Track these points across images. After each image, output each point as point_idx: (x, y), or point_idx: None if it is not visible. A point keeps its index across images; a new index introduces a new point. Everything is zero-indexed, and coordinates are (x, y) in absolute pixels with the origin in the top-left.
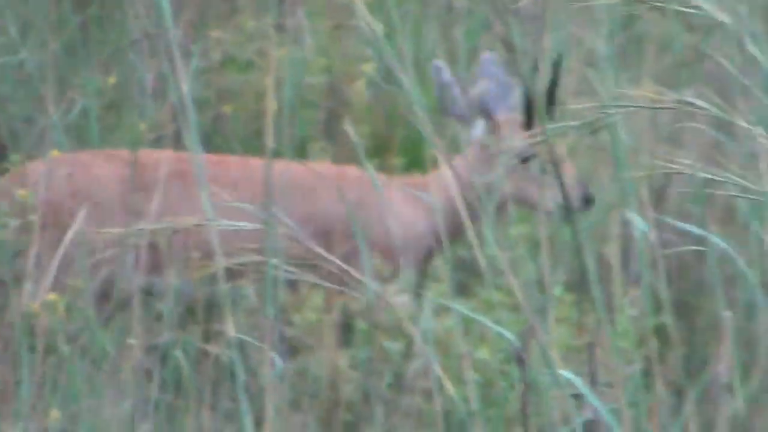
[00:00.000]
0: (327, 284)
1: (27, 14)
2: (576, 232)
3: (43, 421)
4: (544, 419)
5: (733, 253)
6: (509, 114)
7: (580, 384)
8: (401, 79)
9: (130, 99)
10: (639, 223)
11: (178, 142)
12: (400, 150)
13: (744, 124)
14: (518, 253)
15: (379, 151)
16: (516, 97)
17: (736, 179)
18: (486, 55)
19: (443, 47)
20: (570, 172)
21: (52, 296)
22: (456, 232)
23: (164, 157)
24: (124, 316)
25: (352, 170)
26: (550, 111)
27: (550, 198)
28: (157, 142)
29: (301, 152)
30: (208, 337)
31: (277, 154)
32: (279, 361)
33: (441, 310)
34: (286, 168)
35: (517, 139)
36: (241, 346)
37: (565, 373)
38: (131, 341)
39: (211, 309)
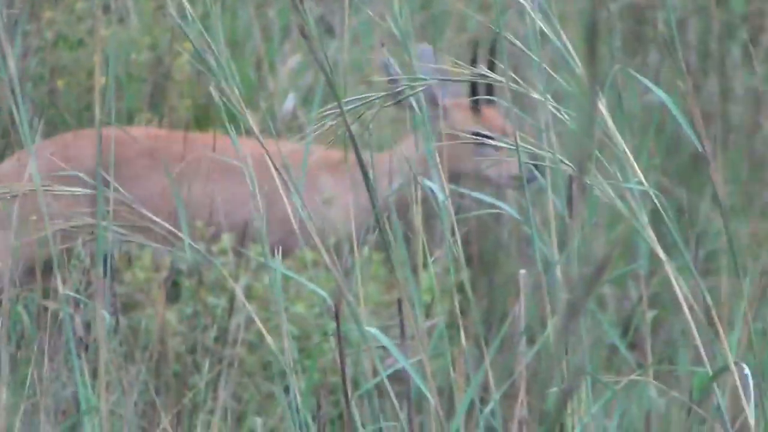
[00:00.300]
0: (154, 245)
1: None
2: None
3: None
4: (357, 369)
5: (518, 218)
6: (455, 99)
7: (383, 338)
8: (209, 60)
9: None
10: (438, 192)
11: (11, 115)
12: (218, 121)
13: (536, 95)
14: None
15: (199, 122)
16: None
17: (528, 147)
18: (422, 46)
19: (258, 25)
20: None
21: None
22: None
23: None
24: None
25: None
26: (490, 93)
27: (504, 172)
28: None
29: (129, 123)
30: (48, 294)
31: (106, 124)
32: (108, 317)
33: (261, 269)
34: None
35: (467, 121)
36: (77, 302)
37: (371, 329)
38: None
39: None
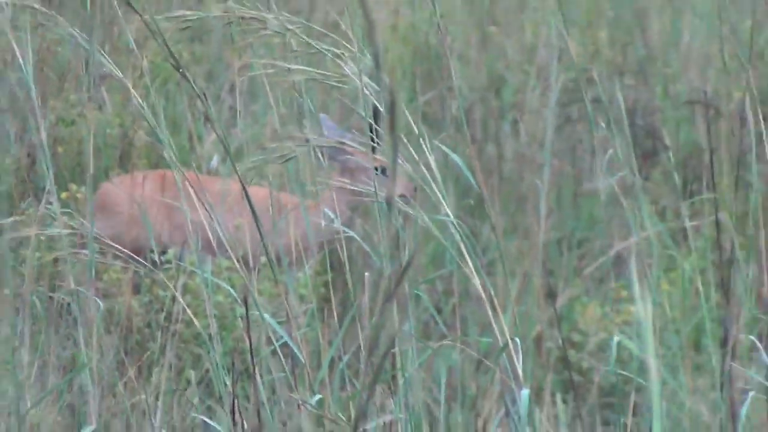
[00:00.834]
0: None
1: None
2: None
3: None
4: (259, 339)
5: (360, 240)
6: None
7: (272, 320)
8: (158, 134)
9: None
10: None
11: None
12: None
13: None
14: None
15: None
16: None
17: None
18: (322, 116)
19: (189, 111)
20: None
21: None
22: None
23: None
24: None
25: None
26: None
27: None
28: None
29: (106, 176)
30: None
31: (96, 179)
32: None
33: (194, 273)
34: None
35: (366, 159)
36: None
37: (266, 313)
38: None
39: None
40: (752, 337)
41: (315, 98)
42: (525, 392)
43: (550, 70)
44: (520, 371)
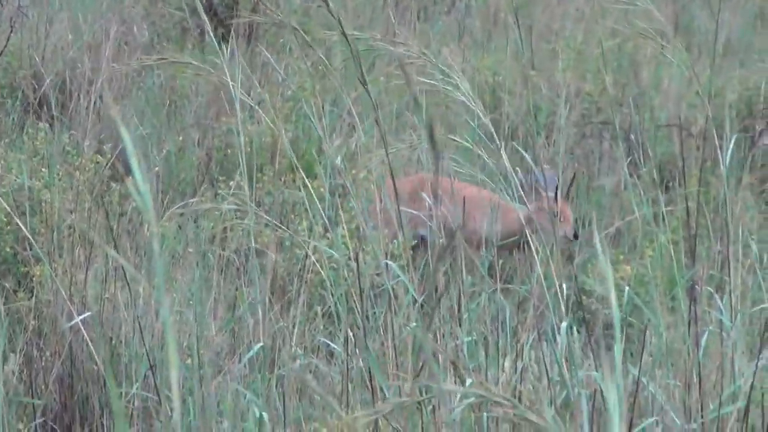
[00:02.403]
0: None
1: None
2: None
3: None
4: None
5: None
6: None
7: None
8: None
9: None
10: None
11: None
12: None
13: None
14: None
15: None
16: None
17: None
18: (550, 174)
19: None
20: (569, 221)
21: None
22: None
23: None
24: None
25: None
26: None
27: (561, 233)
28: None
29: (260, 171)
30: None
31: (251, 172)
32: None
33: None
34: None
35: (551, 205)
36: None
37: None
38: None
39: None
40: (710, 289)
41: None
42: (564, 323)
43: (572, 100)
44: (563, 306)
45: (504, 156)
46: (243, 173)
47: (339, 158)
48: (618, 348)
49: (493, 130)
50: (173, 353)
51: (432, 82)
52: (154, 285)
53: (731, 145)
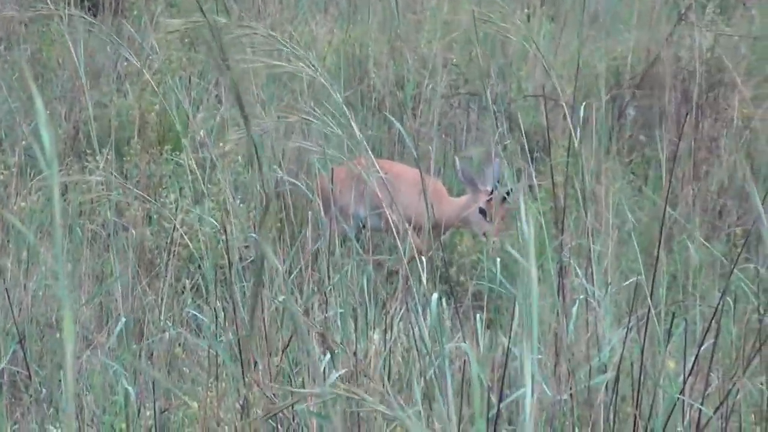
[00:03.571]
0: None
1: None
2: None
3: None
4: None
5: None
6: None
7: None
8: None
9: None
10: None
11: None
12: None
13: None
14: None
15: None
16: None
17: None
18: (496, 162)
19: None
20: (497, 224)
21: None
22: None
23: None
24: None
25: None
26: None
27: (479, 228)
28: None
29: (127, 144)
30: None
31: (119, 146)
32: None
33: None
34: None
35: (483, 202)
36: None
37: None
38: None
39: None
40: (572, 262)
41: (272, 89)
42: (435, 295)
43: (440, 72)
44: (424, 279)
45: (356, 131)
46: (111, 147)
47: (202, 132)
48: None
49: (354, 104)
50: (69, 327)
51: (281, 63)
52: (21, 260)
53: (581, 112)
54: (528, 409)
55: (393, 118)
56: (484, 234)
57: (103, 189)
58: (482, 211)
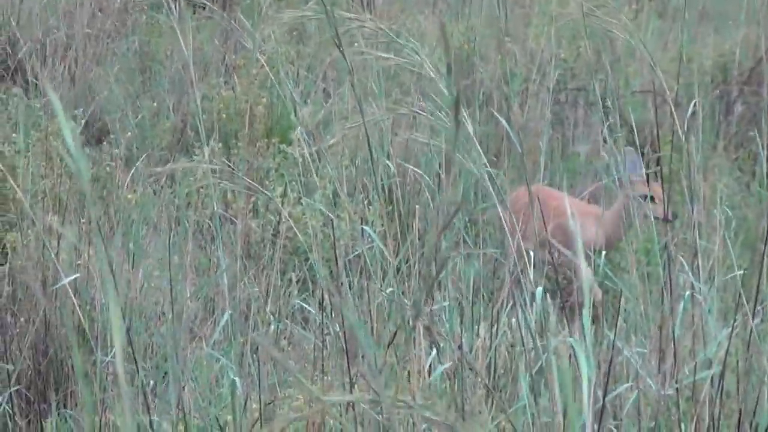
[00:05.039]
0: None
1: None
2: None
3: None
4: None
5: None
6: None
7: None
8: None
9: None
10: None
11: None
12: None
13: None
14: None
15: None
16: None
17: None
18: (627, 149)
19: None
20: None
21: None
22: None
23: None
24: None
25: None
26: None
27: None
28: None
29: (235, 137)
30: None
31: (227, 138)
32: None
33: None
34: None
35: (642, 189)
36: None
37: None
38: None
39: None
40: (681, 255)
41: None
42: (539, 289)
43: (547, 67)
44: (531, 274)
45: (469, 124)
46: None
47: (299, 130)
48: (586, 312)
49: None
50: (116, 317)
51: (391, 56)
52: (129, 251)
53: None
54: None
55: (498, 114)
56: (657, 218)
57: (213, 175)
58: (644, 197)
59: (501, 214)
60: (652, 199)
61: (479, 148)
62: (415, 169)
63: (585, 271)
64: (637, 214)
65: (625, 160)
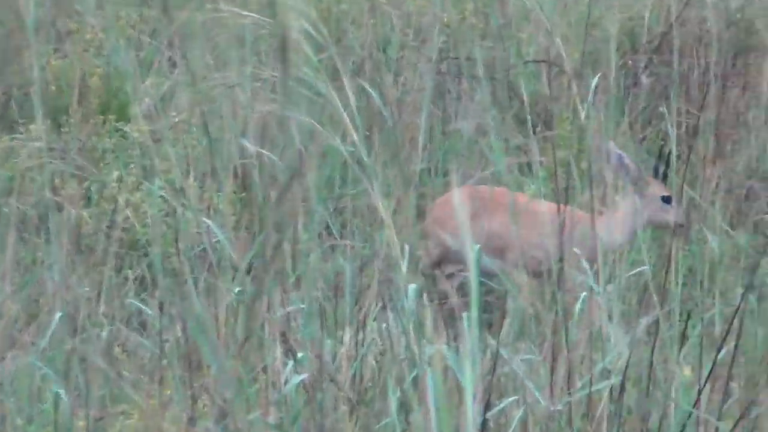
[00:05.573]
0: None
1: None
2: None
3: None
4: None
5: None
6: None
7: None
8: None
9: None
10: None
11: None
12: None
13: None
14: None
15: None
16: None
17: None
18: (610, 144)
19: None
20: (677, 208)
21: None
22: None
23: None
24: None
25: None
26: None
27: (672, 219)
28: None
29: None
30: None
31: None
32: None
33: None
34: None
35: (660, 189)
36: None
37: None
38: None
39: None
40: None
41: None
42: (413, 286)
43: (428, 33)
44: (404, 270)
45: (349, 93)
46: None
47: (148, 101)
48: (475, 313)
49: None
50: None
51: (255, 15)
52: None
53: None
54: None
55: (369, 87)
56: (677, 226)
57: (37, 159)
58: (666, 199)
59: (375, 203)
60: (667, 201)
61: (349, 123)
62: (265, 152)
63: (470, 261)
64: (655, 217)
65: (609, 156)
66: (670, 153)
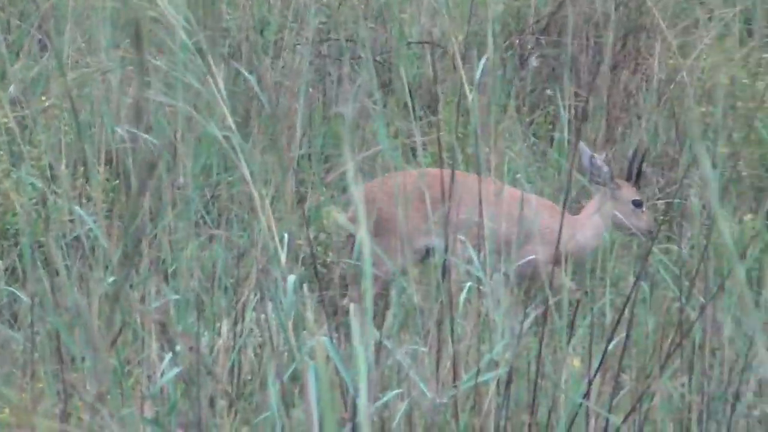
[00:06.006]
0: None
1: None
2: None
3: None
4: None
5: None
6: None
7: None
8: None
9: None
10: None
11: None
12: None
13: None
14: None
15: None
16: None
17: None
18: (581, 144)
19: None
20: (647, 213)
21: None
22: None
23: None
24: None
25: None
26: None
27: (644, 225)
28: None
29: None
30: None
31: None
32: None
33: None
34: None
35: (632, 193)
36: None
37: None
38: None
39: None
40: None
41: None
42: (292, 277)
43: (306, 14)
44: (283, 260)
45: (219, 79)
46: None
47: (12, 87)
48: (369, 301)
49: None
50: None
51: None
52: None
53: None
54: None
55: (245, 71)
56: (645, 232)
57: None
58: (637, 203)
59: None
60: (638, 205)
61: (225, 109)
62: (143, 134)
63: (366, 250)
64: (625, 221)
65: (581, 157)
66: (645, 153)
